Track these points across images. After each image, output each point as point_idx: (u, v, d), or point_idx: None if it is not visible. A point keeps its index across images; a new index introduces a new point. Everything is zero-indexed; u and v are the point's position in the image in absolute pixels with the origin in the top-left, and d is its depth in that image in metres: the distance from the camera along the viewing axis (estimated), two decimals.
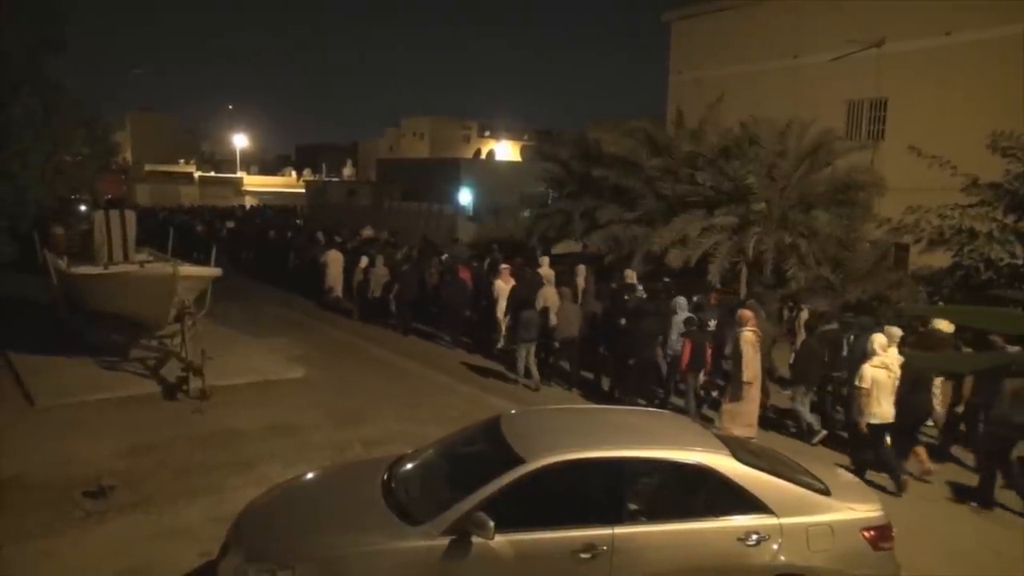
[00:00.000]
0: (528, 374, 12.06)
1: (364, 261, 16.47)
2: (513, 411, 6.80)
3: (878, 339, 8.72)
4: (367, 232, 21.49)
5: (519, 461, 5.20)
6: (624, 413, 7.60)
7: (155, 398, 10.83)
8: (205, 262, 13.75)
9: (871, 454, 8.69)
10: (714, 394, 11.23)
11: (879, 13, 17.32)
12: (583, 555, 4.98)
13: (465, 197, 33.39)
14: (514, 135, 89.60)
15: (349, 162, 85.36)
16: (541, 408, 7.58)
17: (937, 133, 14.49)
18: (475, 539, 4.87)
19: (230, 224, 27.32)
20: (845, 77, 17.79)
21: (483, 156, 68.73)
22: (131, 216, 13.87)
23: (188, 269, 12.09)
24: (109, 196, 23.21)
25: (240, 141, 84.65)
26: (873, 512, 5.55)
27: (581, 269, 14.80)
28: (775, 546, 5.20)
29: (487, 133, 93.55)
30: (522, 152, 65.27)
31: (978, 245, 12.11)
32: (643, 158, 16.16)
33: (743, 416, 9.42)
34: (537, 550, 5.01)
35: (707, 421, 10.08)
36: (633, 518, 5.21)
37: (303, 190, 52.38)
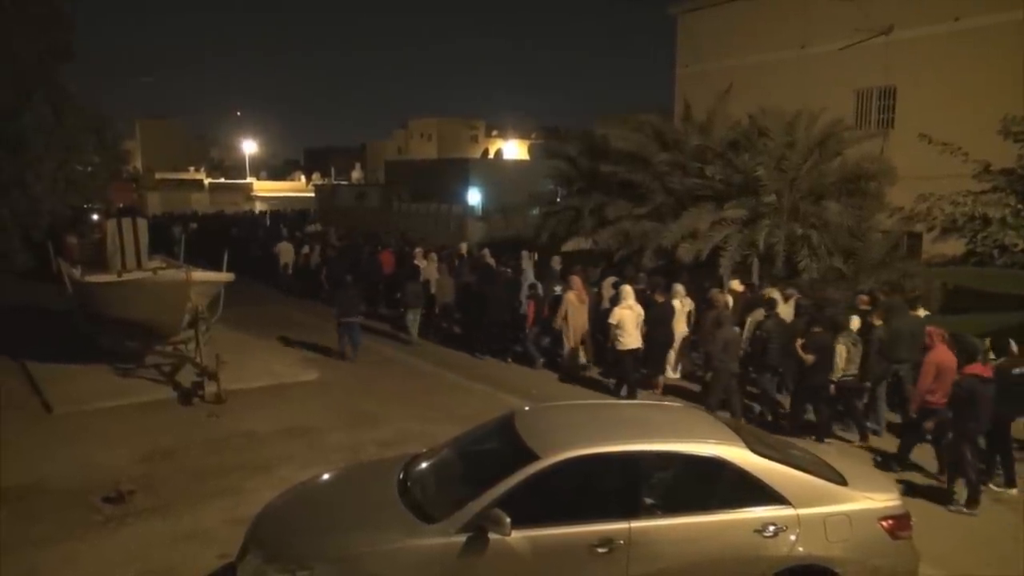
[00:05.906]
0: (408, 331, 14.90)
1: (305, 249, 21.64)
2: (527, 408, 6.80)
3: (625, 289, 11.41)
4: (310, 228, 27.26)
5: (534, 457, 5.20)
6: (637, 407, 7.60)
7: (171, 403, 10.93)
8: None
9: (619, 372, 11.46)
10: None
11: (887, 0, 17.17)
12: (600, 549, 4.98)
13: (474, 197, 33.34)
14: (522, 134, 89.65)
15: (358, 165, 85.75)
16: (554, 404, 7.57)
17: (947, 120, 14.35)
18: (492, 535, 4.88)
19: (193, 225, 30.99)
20: (853, 66, 17.61)
21: (491, 155, 68.79)
22: (143, 224, 13.99)
23: (201, 275, 12.16)
24: (121, 204, 23.72)
25: (249, 147, 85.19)
26: (891, 501, 5.53)
27: (463, 247, 19.16)
28: (792, 537, 5.18)
29: (495, 132, 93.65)
30: (530, 150, 65.10)
31: (992, 232, 11.98)
32: (652, 153, 16.08)
33: (573, 356, 12.41)
34: (554, 545, 5.01)
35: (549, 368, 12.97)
36: (649, 512, 5.20)
37: (312, 194, 52.52)
